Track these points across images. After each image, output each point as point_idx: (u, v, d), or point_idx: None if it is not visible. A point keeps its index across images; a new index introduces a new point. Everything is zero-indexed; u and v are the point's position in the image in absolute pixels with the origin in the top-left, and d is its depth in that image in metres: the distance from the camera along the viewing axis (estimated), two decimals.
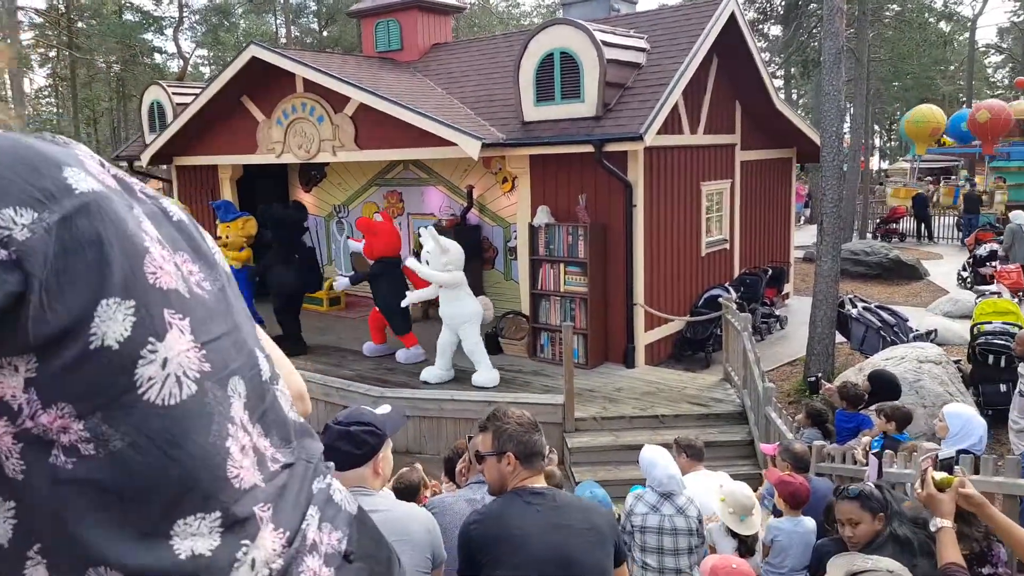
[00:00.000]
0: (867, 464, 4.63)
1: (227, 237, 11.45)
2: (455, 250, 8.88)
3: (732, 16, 10.88)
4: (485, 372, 9.11)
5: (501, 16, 38.58)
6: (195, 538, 0.89)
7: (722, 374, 9.50)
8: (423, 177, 13.07)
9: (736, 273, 12.39)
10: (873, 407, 5.93)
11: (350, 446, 2.58)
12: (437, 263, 8.82)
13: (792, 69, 33.98)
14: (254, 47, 11.45)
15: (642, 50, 10.25)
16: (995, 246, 14.71)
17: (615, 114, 9.53)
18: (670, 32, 10.66)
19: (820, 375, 8.46)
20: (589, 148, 9.32)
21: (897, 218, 23.17)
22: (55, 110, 38.32)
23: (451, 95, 11.76)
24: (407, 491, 4.73)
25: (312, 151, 11.53)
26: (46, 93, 39.85)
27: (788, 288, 14.26)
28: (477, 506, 2.96)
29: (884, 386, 6.46)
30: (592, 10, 12.58)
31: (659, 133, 9.48)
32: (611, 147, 9.26)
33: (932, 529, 2.56)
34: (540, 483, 2.68)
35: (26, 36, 32.22)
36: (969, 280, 14.80)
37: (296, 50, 11.43)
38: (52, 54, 35.02)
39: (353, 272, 14.32)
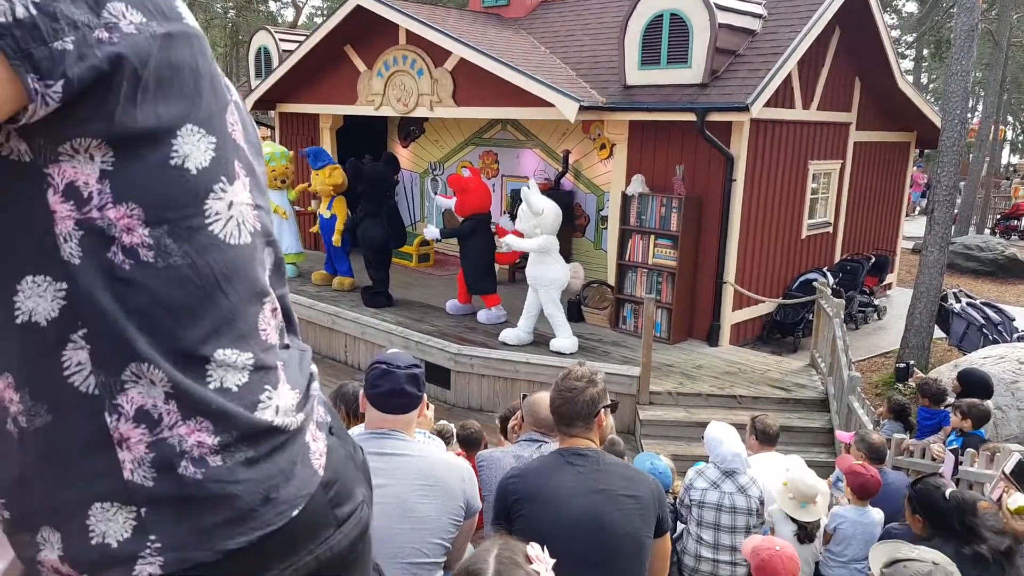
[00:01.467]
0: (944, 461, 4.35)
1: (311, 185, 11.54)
2: (549, 213, 8.63)
3: None
4: (563, 339, 9.01)
5: None
6: (228, 369, 0.94)
7: (808, 360, 9.12)
8: (520, 139, 12.97)
9: (837, 258, 11.84)
10: (950, 403, 5.58)
11: (414, 387, 2.55)
12: (527, 224, 8.69)
13: (924, 50, 32.07)
14: None
15: (758, 16, 9.78)
16: None
17: (722, 82, 9.15)
18: None
19: (912, 363, 7.99)
20: (691, 117, 8.99)
21: (1019, 215, 21.68)
22: None
23: (554, 55, 11.56)
24: (472, 439, 4.78)
25: (410, 104, 11.59)
26: None
27: (892, 279, 13.54)
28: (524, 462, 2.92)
29: (975, 386, 6.00)
30: None
31: (768, 105, 9.06)
32: (714, 116, 8.90)
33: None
34: (588, 445, 2.60)
35: None
36: None
37: (401, 1, 11.43)
38: None
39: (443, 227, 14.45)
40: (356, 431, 2.71)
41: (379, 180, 10.58)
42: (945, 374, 7.51)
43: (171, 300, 0.88)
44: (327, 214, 11.46)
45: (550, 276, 8.79)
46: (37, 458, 0.88)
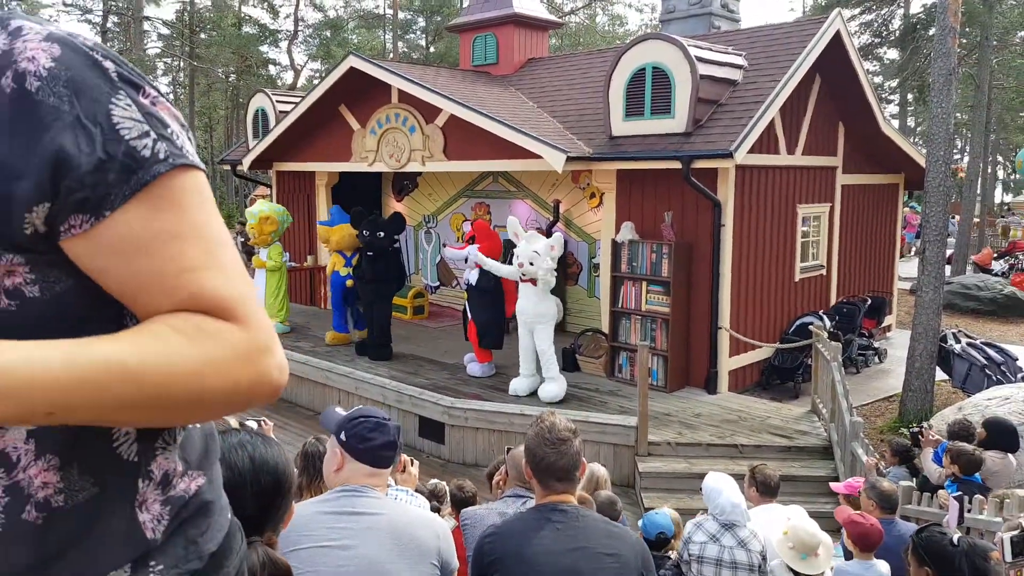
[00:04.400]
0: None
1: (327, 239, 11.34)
2: (559, 243, 8.73)
3: (837, 35, 10.40)
4: (552, 383, 8.91)
5: (605, 35, 38.38)
6: None
7: (810, 406, 9.01)
8: (511, 190, 13.05)
9: (832, 301, 11.80)
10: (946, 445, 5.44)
11: (399, 440, 2.52)
12: (548, 264, 8.57)
13: (908, 95, 32.55)
14: (352, 58, 11.72)
15: (738, 67, 9.93)
16: None
17: (706, 131, 9.24)
18: (770, 50, 10.29)
19: (926, 425, 7.59)
20: (677, 164, 9.05)
21: (1016, 253, 21.71)
22: None
23: (542, 109, 11.71)
24: (466, 500, 4.64)
25: (402, 160, 11.68)
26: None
27: (890, 320, 13.47)
28: None
29: (1001, 434, 5.77)
30: (692, 27, 12.32)
31: (753, 152, 9.13)
32: (700, 164, 8.97)
33: None
34: (569, 501, 2.52)
35: (153, 45, 34.26)
36: None
37: (392, 62, 11.61)
38: (175, 63, 37.10)
39: (439, 282, 14.45)
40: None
41: (392, 231, 10.47)
42: (949, 416, 7.37)
43: None
44: (344, 272, 11.19)
45: (551, 312, 8.79)
46: (67, 537, 0.86)
